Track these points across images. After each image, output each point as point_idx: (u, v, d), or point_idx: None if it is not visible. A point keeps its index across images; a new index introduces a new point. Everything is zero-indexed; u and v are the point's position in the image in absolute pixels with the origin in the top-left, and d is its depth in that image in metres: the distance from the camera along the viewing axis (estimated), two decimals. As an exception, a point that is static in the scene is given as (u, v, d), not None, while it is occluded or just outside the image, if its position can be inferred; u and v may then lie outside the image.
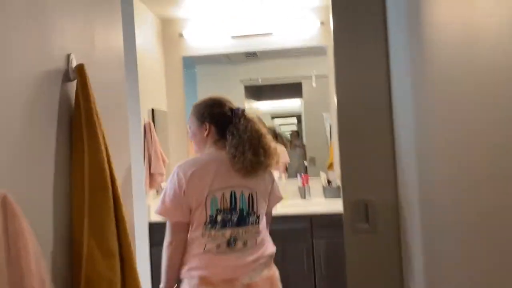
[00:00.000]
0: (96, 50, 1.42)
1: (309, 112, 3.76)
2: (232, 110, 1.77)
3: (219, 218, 1.66)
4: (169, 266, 1.68)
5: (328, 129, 3.73)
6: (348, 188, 1.43)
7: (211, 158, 1.72)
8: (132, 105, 2.69)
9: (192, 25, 3.67)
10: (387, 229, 1.41)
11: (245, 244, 1.69)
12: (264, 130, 1.74)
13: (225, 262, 1.66)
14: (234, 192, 1.68)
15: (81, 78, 1.18)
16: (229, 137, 1.69)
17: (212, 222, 1.66)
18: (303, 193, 3.58)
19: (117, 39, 1.65)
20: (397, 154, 1.37)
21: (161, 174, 3.05)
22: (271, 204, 1.85)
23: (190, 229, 1.68)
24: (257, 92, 3.85)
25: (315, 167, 3.70)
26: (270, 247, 1.79)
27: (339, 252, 2.88)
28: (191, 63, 3.79)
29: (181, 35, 3.66)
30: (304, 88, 3.72)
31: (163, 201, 1.68)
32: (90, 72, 1.21)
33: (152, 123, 3.08)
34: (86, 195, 1.14)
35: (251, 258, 1.68)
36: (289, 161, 3.71)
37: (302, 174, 3.61)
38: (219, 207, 1.65)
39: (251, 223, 1.71)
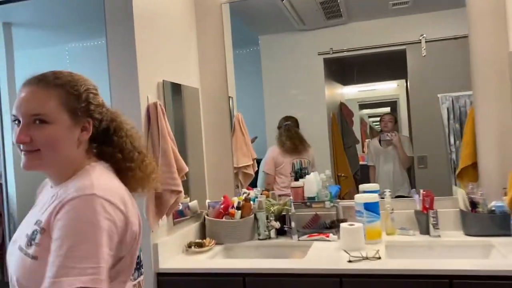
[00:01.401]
0: None
1: (416, 90, 2.63)
2: None
3: (140, 259, 1.38)
4: None
5: (446, 116, 2.58)
6: None
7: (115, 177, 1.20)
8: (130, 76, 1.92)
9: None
10: None
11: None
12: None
13: None
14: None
15: None
16: (122, 141, 1.20)
17: (138, 266, 1.32)
18: (425, 225, 2.20)
19: None
20: None
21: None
22: None
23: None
24: (340, 69, 2.82)
25: (427, 170, 2.55)
26: None
27: None
28: (253, 36, 2.88)
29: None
30: (410, 58, 2.63)
31: (98, 262, 0.98)
32: None
33: (162, 105, 2.13)
34: None
35: None
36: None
37: (423, 190, 2.33)
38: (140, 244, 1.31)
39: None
